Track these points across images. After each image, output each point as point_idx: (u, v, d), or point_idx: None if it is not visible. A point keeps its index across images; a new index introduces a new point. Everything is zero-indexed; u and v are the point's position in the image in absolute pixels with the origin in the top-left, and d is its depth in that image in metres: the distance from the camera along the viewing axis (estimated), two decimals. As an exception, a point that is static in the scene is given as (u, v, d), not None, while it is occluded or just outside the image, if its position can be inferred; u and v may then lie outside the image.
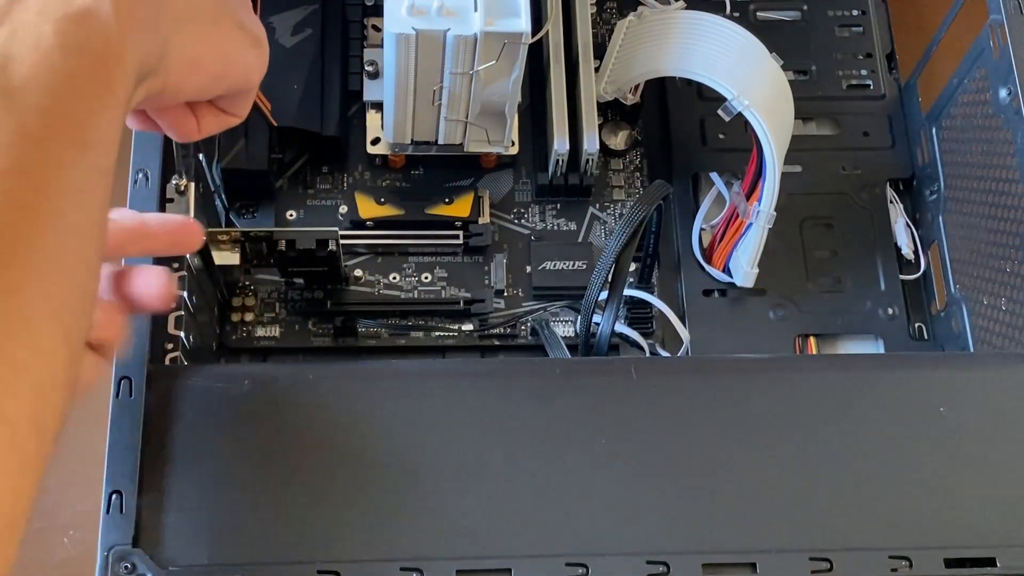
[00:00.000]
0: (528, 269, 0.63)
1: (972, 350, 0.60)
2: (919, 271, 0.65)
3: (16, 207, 0.26)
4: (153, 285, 0.38)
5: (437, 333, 0.62)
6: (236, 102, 0.40)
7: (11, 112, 0.26)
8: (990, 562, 0.43)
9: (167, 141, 0.52)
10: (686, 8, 0.64)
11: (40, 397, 0.26)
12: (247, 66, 0.38)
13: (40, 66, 0.27)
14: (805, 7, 0.71)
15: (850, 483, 0.44)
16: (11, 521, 0.26)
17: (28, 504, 0.27)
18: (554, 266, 0.63)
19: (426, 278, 0.63)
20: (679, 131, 0.67)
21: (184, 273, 0.49)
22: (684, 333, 0.62)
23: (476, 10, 0.52)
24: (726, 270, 0.63)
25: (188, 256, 0.49)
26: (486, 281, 0.63)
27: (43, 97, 0.27)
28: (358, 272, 0.63)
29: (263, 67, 0.40)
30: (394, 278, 0.63)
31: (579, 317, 0.57)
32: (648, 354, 0.61)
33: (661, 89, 0.68)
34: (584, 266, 0.62)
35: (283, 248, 0.54)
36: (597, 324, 0.55)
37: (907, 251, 0.65)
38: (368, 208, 0.62)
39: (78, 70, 0.28)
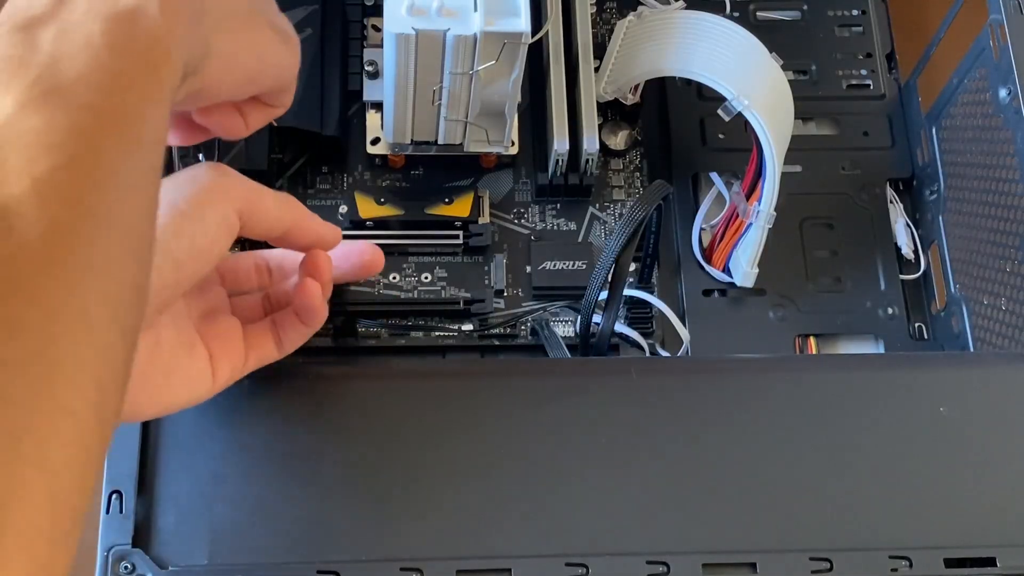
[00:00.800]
0: (528, 269, 0.63)
1: (972, 350, 0.60)
2: (919, 271, 0.65)
3: (71, 204, 0.26)
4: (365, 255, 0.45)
5: (437, 333, 0.62)
6: (277, 96, 0.41)
7: (64, 110, 0.26)
8: (990, 562, 0.43)
9: (167, 141, 0.52)
10: (686, 8, 0.64)
11: (101, 392, 0.26)
12: (281, 64, 0.39)
13: (90, 64, 0.27)
14: (805, 7, 0.71)
15: (850, 483, 0.44)
16: (76, 516, 0.26)
17: (90, 498, 0.27)
18: (554, 266, 0.63)
19: (426, 278, 0.63)
20: (679, 131, 0.67)
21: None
22: (684, 333, 0.62)
23: (476, 10, 0.52)
24: (726, 270, 0.63)
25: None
26: (486, 281, 0.63)
27: (94, 95, 0.27)
28: (358, 272, 0.63)
29: (296, 63, 0.40)
30: (394, 278, 0.63)
31: (579, 317, 0.57)
32: (648, 354, 0.61)
33: (661, 89, 0.68)
34: (584, 266, 0.62)
35: (283, 248, 0.54)
36: (597, 324, 0.54)
37: (907, 251, 0.65)
38: (368, 208, 0.62)
39: (127, 68, 0.28)
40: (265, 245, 0.44)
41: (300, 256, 0.44)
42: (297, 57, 0.40)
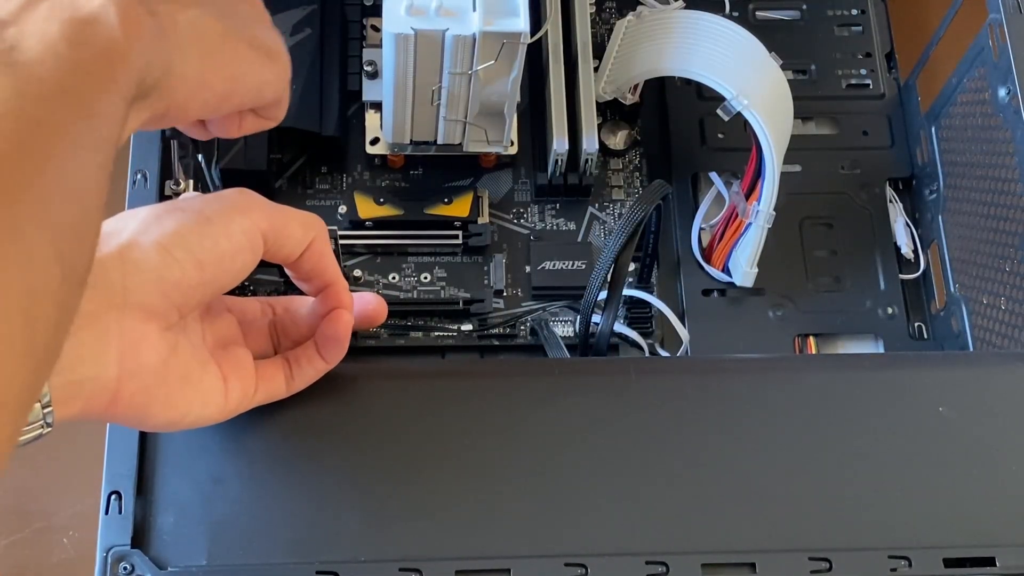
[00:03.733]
0: (527, 269, 0.63)
1: (972, 350, 0.60)
2: (919, 271, 0.65)
3: (11, 142, 0.26)
4: (370, 304, 0.46)
5: (436, 333, 0.62)
6: (266, 110, 0.41)
7: (13, 76, 0.27)
8: (990, 562, 0.43)
9: (165, 142, 0.52)
10: (685, 8, 0.64)
11: (32, 300, 0.26)
12: (259, 83, 0.39)
13: (46, 52, 0.28)
14: (804, 7, 0.71)
15: (849, 483, 0.44)
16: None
17: (20, 397, 0.27)
18: (553, 266, 0.63)
19: (425, 278, 0.63)
20: (678, 131, 0.67)
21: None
22: (683, 333, 0.62)
23: (475, 10, 0.52)
24: (725, 270, 0.63)
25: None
26: (485, 281, 0.63)
27: (46, 71, 0.28)
28: (357, 272, 0.63)
29: (280, 81, 0.40)
30: (393, 278, 0.63)
31: (578, 317, 0.57)
32: (647, 354, 0.61)
33: (660, 89, 0.68)
34: (583, 266, 0.62)
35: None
36: (596, 324, 0.54)
37: (906, 250, 0.65)
38: (367, 208, 0.62)
39: (82, 57, 0.29)
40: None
41: (308, 299, 0.45)
42: (285, 72, 0.40)
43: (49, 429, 0.34)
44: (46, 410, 0.33)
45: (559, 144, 0.60)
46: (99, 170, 0.30)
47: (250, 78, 0.38)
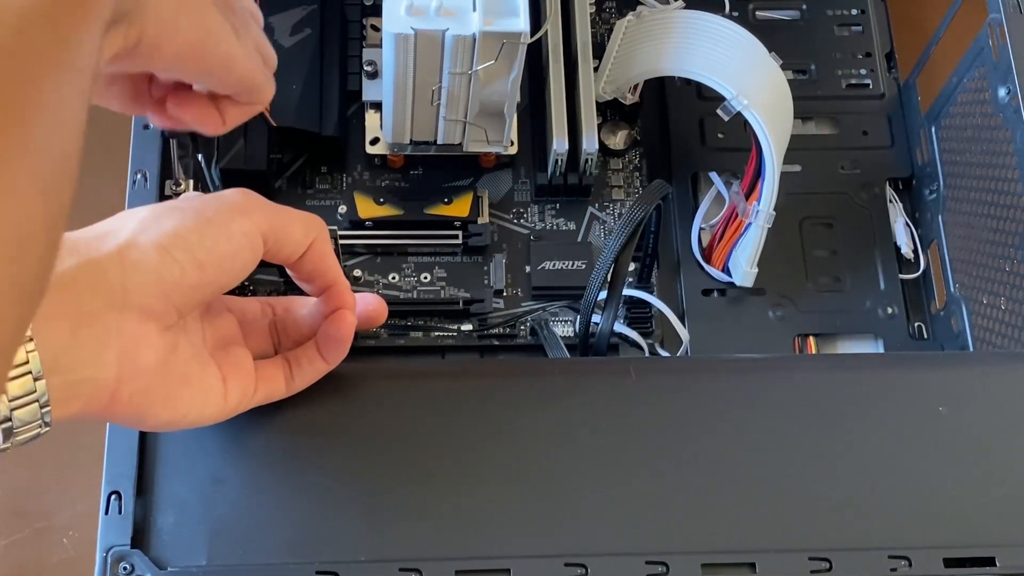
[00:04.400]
0: (527, 269, 0.63)
1: (972, 349, 0.60)
2: (918, 270, 0.65)
3: None
4: (370, 305, 0.46)
5: (436, 333, 0.62)
6: (245, 94, 0.41)
7: None
8: (990, 562, 0.43)
9: (165, 142, 0.52)
10: (685, 8, 0.64)
11: (18, 235, 0.26)
12: (228, 53, 0.38)
13: None
14: (804, 6, 0.71)
15: (849, 483, 0.44)
16: None
17: (7, 335, 0.26)
18: (553, 266, 0.63)
19: (425, 278, 0.63)
20: (678, 131, 0.67)
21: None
22: (683, 333, 0.62)
23: (475, 10, 0.52)
24: (725, 270, 0.63)
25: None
26: (485, 281, 0.63)
27: (19, 1, 0.27)
28: (357, 272, 0.63)
29: (254, 63, 0.40)
30: (393, 278, 0.63)
31: (578, 317, 0.57)
32: (647, 354, 0.61)
33: (660, 89, 0.68)
34: (583, 266, 0.62)
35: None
36: (596, 324, 0.54)
37: (906, 250, 0.65)
38: (367, 208, 0.62)
39: None
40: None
41: (309, 300, 0.45)
42: (254, 58, 0.40)
43: (47, 429, 0.34)
44: (44, 410, 0.33)
45: (559, 144, 0.60)
46: (78, 98, 0.29)
47: (221, 42, 0.37)
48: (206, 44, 0.37)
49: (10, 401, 0.32)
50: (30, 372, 0.32)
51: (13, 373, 0.32)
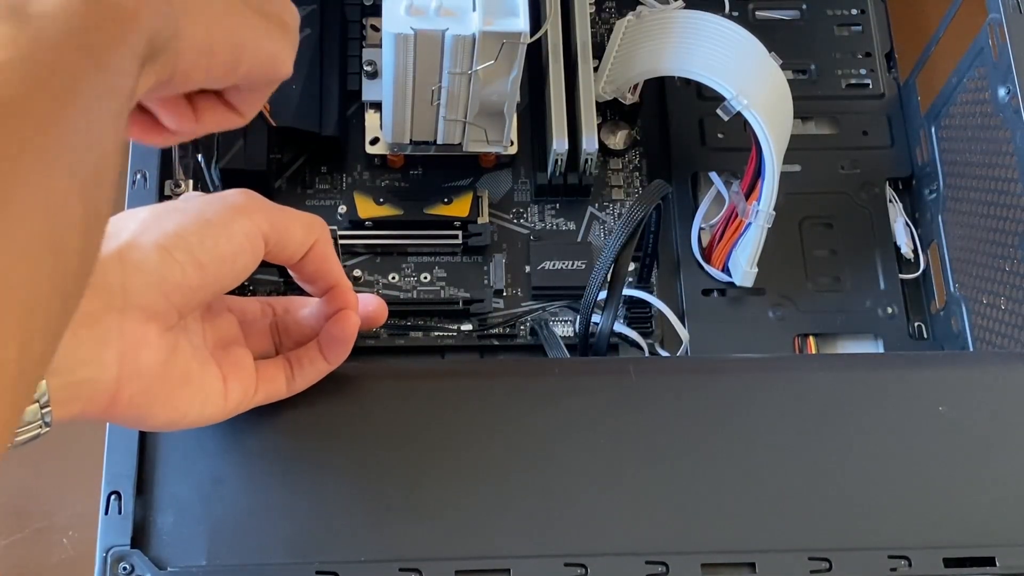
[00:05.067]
0: (527, 269, 0.63)
1: (972, 349, 0.60)
2: (918, 270, 0.65)
3: (31, 85, 0.26)
4: (370, 306, 0.46)
5: (436, 333, 0.62)
6: (248, 97, 0.39)
7: (29, 26, 0.27)
8: (990, 562, 0.43)
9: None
10: (685, 7, 0.64)
11: (50, 223, 0.26)
12: (269, 54, 0.37)
13: (60, 7, 0.28)
14: (804, 6, 0.71)
15: (849, 483, 0.44)
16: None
17: (47, 323, 0.27)
18: (553, 266, 0.63)
19: (425, 278, 0.63)
20: (678, 131, 0.67)
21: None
22: (683, 333, 0.62)
23: (475, 10, 0.52)
24: (725, 270, 0.63)
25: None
26: (485, 281, 0.63)
27: (61, 24, 0.27)
28: (357, 272, 0.63)
29: (291, 53, 0.39)
30: (393, 278, 0.63)
31: (578, 317, 0.57)
32: (647, 354, 0.61)
33: (660, 89, 0.68)
34: (583, 266, 0.62)
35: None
36: (596, 324, 0.54)
37: (906, 250, 0.65)
38: (367, 208, 0.62)
39: (94, 13, 0.29)
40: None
41: (309, 300, 0.45)
42: (295, 45, 0.39)
43: (47, 429, 0.34)
44: (44, 410, 0.33)
45: (559, 144, 0.60)
46: (115, 118, 0.29)
47: (259, 48, 0.36)
48: (241, 58, 0.36)
49: None
50: None
51: None
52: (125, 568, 0.41)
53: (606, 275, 0.52)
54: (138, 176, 0.50)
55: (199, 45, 0.34)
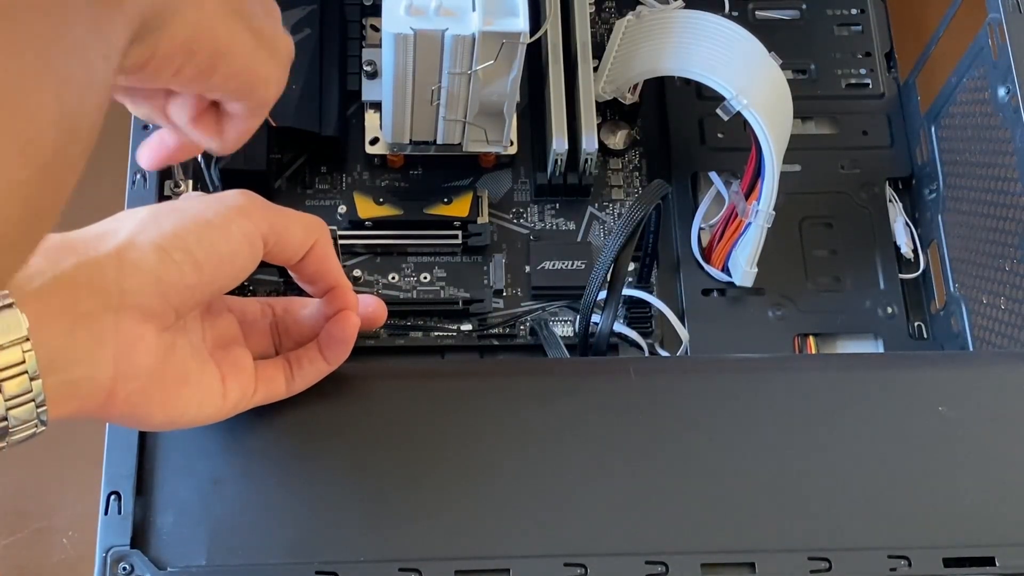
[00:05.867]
0: (527, 269, 0.63)
1: (971, 349, 0.59)
2: (918, 270, 0.65)
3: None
4: (370, 307, 0.46)
5: (436, 333, 0.62)
6: (255, 108, 0.39)
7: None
8: (989, 561, 0.43)
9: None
10: (685, 7, 0.64)
11: (29, 134, 0.26)
12: (249, 70, 0.37)
13: None
14: (804, 6, 0.71)
15: (849, 483, 0.44)
16: None
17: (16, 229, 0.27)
18: (553, 266, 0.63)
19: (425, 278, 0.63)
20: (678, 130, 0.67)
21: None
22: (683, 333, 0.62)
23: (474, 10, 0.52)
24: (725, 269, 0.63)
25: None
26: (485, 281, 0.63)
27: None
28: (357, 272, 0.63)
29: (280, 79, 0.39)
30: (393, 278, 0.63)
31: (578, 317, 0.57)
32: (647, 354, 0.61)
33: (660, 88, 0.68)
34: (583, 266, 0.62)
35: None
36: (596, 324, 0.54)
37: (906, 250, 0.65)
38: (367, 208, 0.62)
39: None
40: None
41: (309, 300, 0.45)
42: (283, 72, 0.39)
43: (43, 428, 0.34)
44: (40, 409, 0.33)
45: (559, 144, 0.60)
46: (103, 60, 0.29)
47: (238, 61, 0.36)
48: (217, 67, 0.36)
49: (6, 400, 0.32)
50: (26, 371, 0.32)
51: (10, 373, 0.32)
52: (125, 568, 0.41)
53: (606, 275, 0.52)
54: (138, 176, 0.50)
55: (182, 41, 0.34)
